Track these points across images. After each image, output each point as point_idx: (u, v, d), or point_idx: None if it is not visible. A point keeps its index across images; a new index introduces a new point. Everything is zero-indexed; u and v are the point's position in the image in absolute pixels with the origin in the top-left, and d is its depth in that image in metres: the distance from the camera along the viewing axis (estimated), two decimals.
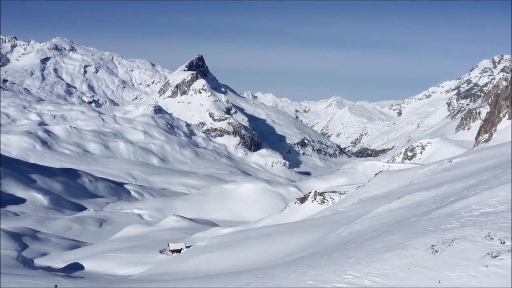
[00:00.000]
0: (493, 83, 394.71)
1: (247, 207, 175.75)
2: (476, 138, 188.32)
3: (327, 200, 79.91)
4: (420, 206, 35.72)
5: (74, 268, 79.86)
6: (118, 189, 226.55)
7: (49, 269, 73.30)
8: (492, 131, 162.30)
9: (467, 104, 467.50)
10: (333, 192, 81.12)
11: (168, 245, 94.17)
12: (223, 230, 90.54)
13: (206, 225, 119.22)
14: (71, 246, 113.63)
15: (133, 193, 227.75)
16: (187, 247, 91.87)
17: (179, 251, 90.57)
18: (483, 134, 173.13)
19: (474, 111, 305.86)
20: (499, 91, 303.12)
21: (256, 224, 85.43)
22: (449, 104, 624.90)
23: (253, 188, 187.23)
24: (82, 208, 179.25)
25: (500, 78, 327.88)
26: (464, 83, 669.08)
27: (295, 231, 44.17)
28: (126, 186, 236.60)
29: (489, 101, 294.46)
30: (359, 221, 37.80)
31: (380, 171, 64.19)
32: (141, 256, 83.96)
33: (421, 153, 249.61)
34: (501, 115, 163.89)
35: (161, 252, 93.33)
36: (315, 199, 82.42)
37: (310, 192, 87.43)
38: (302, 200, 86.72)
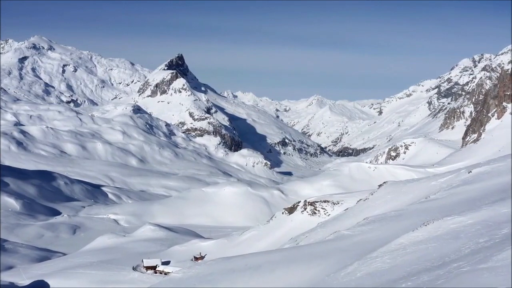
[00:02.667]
0: (474, 81, 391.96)
1: (228, 212, 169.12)
2: (463, 138, 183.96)
3: (319, 211, 70.76)
4: (459, 239, 27.66)
5: (39, 286, 73.12)
6: (94, 192, 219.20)
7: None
8: (481, 131, 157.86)
9: (448, 103, 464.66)
10: (325, 201, 71.60)
11: (142, 261, 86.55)
12: (202, 243, 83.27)
13: (185, 234, 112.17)
14: (40, 257, 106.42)
15: (110, 195, 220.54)
16: (163, 263, 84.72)
17: (154, 268, 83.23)
18: (471, 134, 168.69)
19: (458, 110, 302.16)
20: (483, 90, 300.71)
21: (239, 236, 77.58)
22: (429, 103, 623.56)
23: (235, 192, 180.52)
24: (56, 213, 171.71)
25: (482, 77, 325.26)
26: (445, 82, 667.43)
27: (292, 262, 36.03)
28: (103, 188, 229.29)
29: (473, 100, 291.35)
30: (376, 255, 29.56)
31: (384, 182, 52.74)
32: (112, 274, 76.81)
33: (404, 152, 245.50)
34: (489, 114, 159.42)
35: (134, 269, 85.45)
36: (305, 209, 72.51)
37: (299, 202, 76.90)
38: (290, 210, 76.22)
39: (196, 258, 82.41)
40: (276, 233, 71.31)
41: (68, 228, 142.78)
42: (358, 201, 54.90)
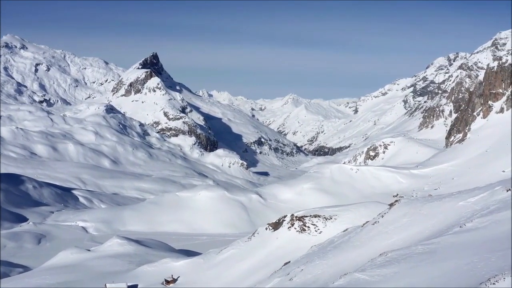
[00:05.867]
0: (451, 80, 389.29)
1: (204, 218, 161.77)
2: (447, 138, 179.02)
3: (308, 227, 61.50)
4: None
5: None
6: (65, 196, 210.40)
7: None
8: (466, 131, 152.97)
9: (425, 102, 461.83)
10: (315, 216, 62.48)
11: (105, 286, 77.62)
12: (175, 263, 75.15)
13: (157, 248, 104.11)
14: None
15: (81, 199, 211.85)
16: (129, 287, 75.80)
17: None
18: (456, 134, 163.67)
19: (438, 109, 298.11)
20: (462, 88, 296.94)
21: (216, 255, 69.37)
22: (405, 102, 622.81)
23: (211, 196, 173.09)
24: (23, 219, 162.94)
25: (461, 76, 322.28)
26: (420, 80, 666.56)
27: None
28: (74, 191, 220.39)
29: (453, 98, 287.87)
30: None
31: (396, 200, 41.99)
32: None
33: (383, 152, 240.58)
34: (475, 113, 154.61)
35: None
36: (292, 225, 62.58)
37: (285, 216, 66.87)
38: (275, 226, 65.55)
39: (167, 282, 74.75)
40: (259, 253, 62.45)
41: (33, 237, 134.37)
42: (364, 224, 41.44)
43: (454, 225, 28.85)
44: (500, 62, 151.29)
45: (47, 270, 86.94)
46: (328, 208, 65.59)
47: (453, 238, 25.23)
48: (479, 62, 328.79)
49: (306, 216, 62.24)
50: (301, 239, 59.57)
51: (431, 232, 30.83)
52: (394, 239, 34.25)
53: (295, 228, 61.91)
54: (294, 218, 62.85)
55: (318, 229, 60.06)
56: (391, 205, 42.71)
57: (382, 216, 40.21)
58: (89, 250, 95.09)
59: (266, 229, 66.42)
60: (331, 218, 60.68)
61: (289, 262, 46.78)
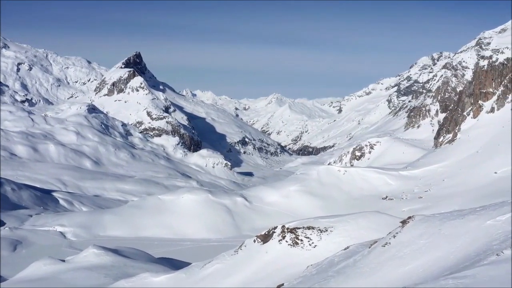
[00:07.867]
0: (435, 79, 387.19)
1: (188, 222, 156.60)
2: (435, 138, 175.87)
3: (301, 240, 55.51)
4: None
5: None
6: (44, 198, 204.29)
7: None
8: (456, 131, 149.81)
9: (409, 101, 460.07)
10: (309, 228, 56.71)
11: None
12: (154, 279, 69.79)
13: (136, 258, 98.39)
14: None
15: (61, 201, 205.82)
16: None
17: None
18: (445, 134, 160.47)
19: (424, 109, 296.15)
20: (448, 87, 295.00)
21: (200, 270, 63.92)
22: (389, 101, 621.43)
23: (194, 200, 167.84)
24: (0, 223, 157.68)
25: (448, 75, 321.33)
26: (404, 80, 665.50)
27: None
28: (54, 194, 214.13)
29: (439, 98, 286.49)
30: None
31: (409, 217, 35.45)
32: None
33: (369, 152, 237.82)
34: (465, 113, 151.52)
35: None
36: (283, 238, 56.17)
37: (275, 227, 59.96)
38: (265, 238, 58.67)
39: None
40: (247, 269, 56.49)
41: (9, 244, 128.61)
42: (372, 245, 33.78)
43: (486, 251, 22.37)
44: (491, 60, 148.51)
45: (17, 284, 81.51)
46: (323, 218, 59.97)
47: (491, 270, 18.39)
48: (464, 61, 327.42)
49: (299, 228, 56.27)
50: (293, 254, 53.98)
51: (457, 259, 24.33)
52: (412, 265, 27.81)
53: (286, 241, 55.77)
54: (286, 230, 56.85)
55: (312, 243, 54.69)
56: (403, 222, 35.80)
57: (394, 236, 33.15)
58: (63, 261, 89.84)
59: (254, 241, 60.18)
60: (326, 230, 55.12)
61: (283, 285, 41.47)
